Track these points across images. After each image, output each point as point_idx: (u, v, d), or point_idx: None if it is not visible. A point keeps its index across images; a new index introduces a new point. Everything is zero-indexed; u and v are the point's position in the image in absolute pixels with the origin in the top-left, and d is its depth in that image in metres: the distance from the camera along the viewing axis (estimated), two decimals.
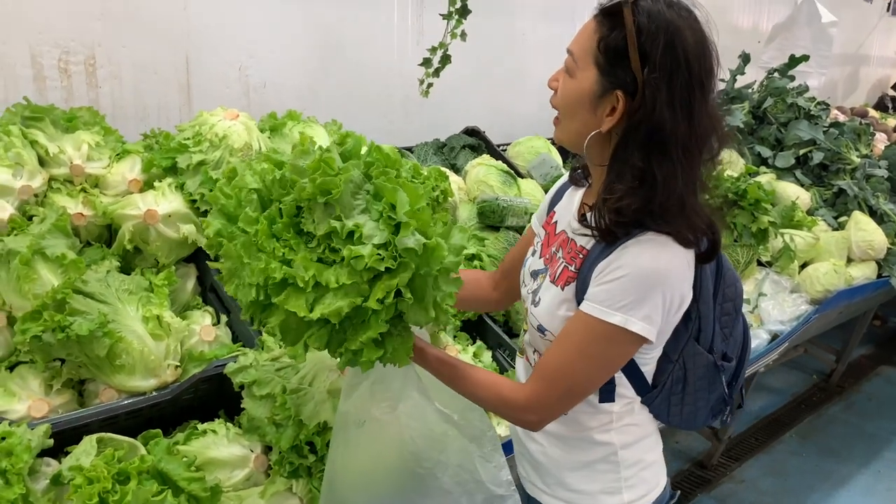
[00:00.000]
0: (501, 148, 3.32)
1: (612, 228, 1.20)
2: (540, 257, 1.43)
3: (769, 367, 3.06)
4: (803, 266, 3.41)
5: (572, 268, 1.29)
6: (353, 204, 1.17)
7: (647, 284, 1.16)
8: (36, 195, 1.93)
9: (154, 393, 1.73)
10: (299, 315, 1.14)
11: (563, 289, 1.29)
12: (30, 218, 1.87)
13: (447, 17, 2.96)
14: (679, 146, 1.15)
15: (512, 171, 2.87)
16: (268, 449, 1.69)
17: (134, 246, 1.97)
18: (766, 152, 4.03)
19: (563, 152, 3.38)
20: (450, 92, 3.35)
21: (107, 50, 2.65)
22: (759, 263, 3.26)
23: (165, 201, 1.98)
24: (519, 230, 2.60)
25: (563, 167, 3.20)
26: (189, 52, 2.85)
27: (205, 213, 2.08)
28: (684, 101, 1.13)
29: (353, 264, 1.13)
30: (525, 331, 1.48)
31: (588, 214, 1.28)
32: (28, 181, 1.89)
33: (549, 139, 3.36)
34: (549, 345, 1.31)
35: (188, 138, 2.09)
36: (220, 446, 1.68)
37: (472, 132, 3.35)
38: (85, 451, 1.50)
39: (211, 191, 1.99)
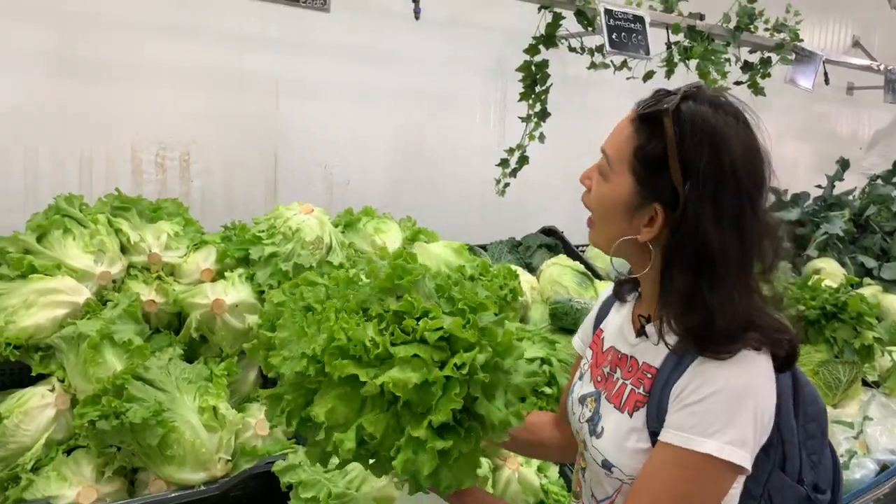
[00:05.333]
0: (581, 249, 3.24)
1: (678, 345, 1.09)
2: (590, 380, 1.29)
3: (879, 502, 2.72)
4: None
5: (640, 390, 1.14)
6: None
7: (739, 402, 1.02)
8: (114, 281, 2.00)
9: (202, 487, 1.69)
10: (359, 382, 1.01)
11: (631, 415, 1.14)
12: (105, 303, 1.93)
13: (526, 119, 2.99)
14: (732, 266, 1.04)
15: (589, 273, 2.77)
16: None
17: (200, 334, 1.99)
18: (870, 262, 3.76)
19: None
20: (529, 192, 3.35)
21: (201, 147, 2.81)
22: (865, 383, 2.96)
23: (234, 291, 2.01)
24: None
25: None
26: (277, 149, 2.99)
27: None
28: (733, 217, 1.02)
29: (428, 337, 1.03)
30: (582, 468, 1.30)
31: (649, 326, 1.17)
32: (108, 267, 1.97)
33: None
34: (616, 484, 1.16)
35: (262, 231, 2.13)
36: None
37: (549, 231, 3.29)
38: None
39: (280, 282, 2.03)
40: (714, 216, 1.02)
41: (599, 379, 1.26)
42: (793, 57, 3.60)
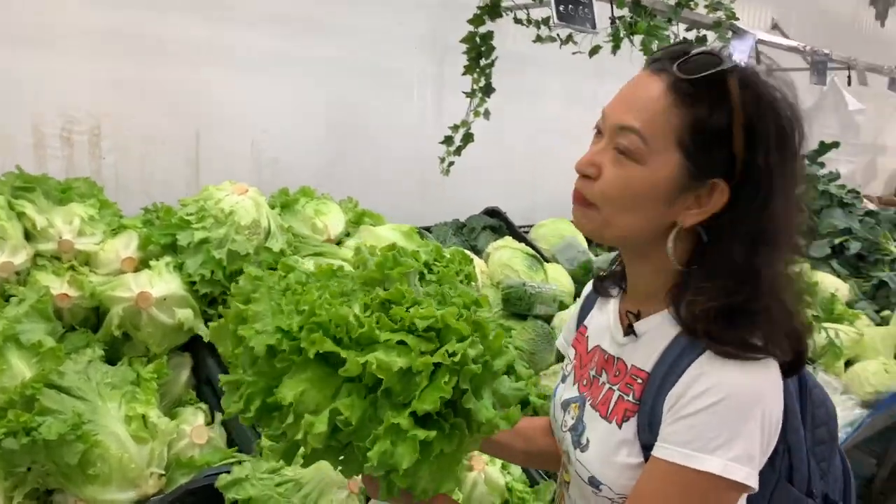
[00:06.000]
0: (523, 230, 3.14)
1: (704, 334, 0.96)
2: (574, 384, 1.16)
3: None
4: (847, 364, 3.16)
5: (630, 397, 1.01)
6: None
7: (745, 411, 0.90)
8: (18, 273, 1.74)
9: None
10: (337, 363, 0.87)
11: (620, 426, 1.01)
12: (8, 298, 1.67)
13: (470, 94, 2.84)
14: (789, 241, 0.96)
15: (538, 255, 2.67)
16: None
17: (123, 332, 1.76)
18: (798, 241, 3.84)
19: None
20: (469, 172, 3.20)
21: (113, 120, 2.52)
22: None
23: (161, 283, 1.78)
24: (547, 319, 2.38)
25: (592, 251, 3.00)
26: (200, 124, 2.73)
27: (205, 297, 1.88)
28: (792, 188, 0.94)
29: (418, 324, 0.90)
30: (566, 482, 1.16)
31: (639, 324, 1.04)
32: (9, 257, 1.70)
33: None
34: (605, 500, 1.03)
35: (191, 214, 1.91)
36: None
37: (492, 213, 3.18)
38: None
39: (213, 272, 1.82)
40: (782, 187, 0.92)
41: (585, 382, 1.13)
42: (729, 35, 3.60)
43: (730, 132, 0.91)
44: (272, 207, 2.20)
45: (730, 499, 0.92)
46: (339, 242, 2.24)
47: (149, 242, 1.89)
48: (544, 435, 1.31)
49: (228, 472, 1.48)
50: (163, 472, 1.55)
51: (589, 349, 1.16)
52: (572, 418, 1.11)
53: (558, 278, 2.62)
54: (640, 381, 1.00)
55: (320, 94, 3.04)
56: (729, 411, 0.90)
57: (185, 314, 1.80)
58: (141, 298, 1.72)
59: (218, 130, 2.77)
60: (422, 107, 3.46)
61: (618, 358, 1.07)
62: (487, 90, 2.83)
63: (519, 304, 2.32)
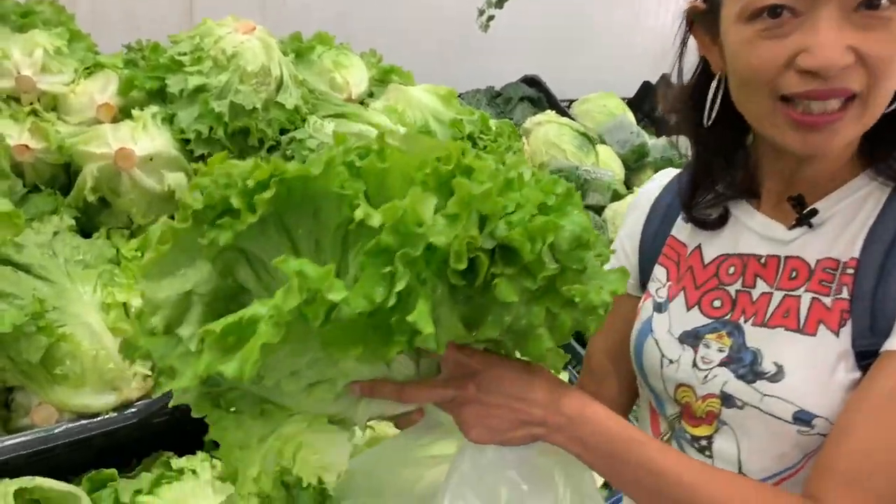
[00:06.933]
0: (565, 104, 2.76)
1: None
2: (691, 309, 0.92)
3: None
4: None
5: (841, 295, 0.80)
6: None
7: None
8: None
9: (112, 414, 1.25)
10: None
11: (837, 333, 0.79)
12: None
13: None
14: None
15: (587, 135, 2.32)
16: None
17: (99, 197, 1.45)
18: None
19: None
20: (498, 34, 2.78)
21: None
22: None
23: (146, 138, 1.46)
24: (599, 211, 2.06)
25: (647, 133, 2.63)
26: None
27: (200, 158, 1.55)
28: None
29: None
30: (699, 437, 0.90)
31: (824, 203, 0.84)
32: None
33: (623, 99, 2.79)
34: (812, 443, 0.81)
35: (184, 54, 1.55)
36: (202, 497, 1.20)
37: (531, 81, 2.78)
38: None
39: (212, 129, 1.48)
40: None
41: (718, 304, 0.89)
42: None
43: None
44: (283, 54, 1.82)
45: None
46: (362, 102, 1.88)
47: (131, 87, 1.55)
48: None
49: None
50: (149, 373, 1.29)
51: (706, 263, 0.92)
52: (720, 350, 0.87)
53: (609, 163, 2.28)
54: (850, 271, 0.81)
55: None
56: None
57: (177, 178, 1.49)
58: (121, 156, 1.40)
59: None
60: None
61: (786, 257, 0.86)
62: None
63: None
